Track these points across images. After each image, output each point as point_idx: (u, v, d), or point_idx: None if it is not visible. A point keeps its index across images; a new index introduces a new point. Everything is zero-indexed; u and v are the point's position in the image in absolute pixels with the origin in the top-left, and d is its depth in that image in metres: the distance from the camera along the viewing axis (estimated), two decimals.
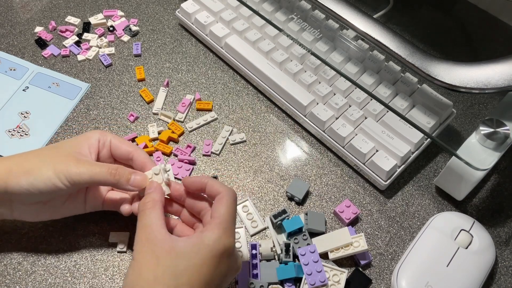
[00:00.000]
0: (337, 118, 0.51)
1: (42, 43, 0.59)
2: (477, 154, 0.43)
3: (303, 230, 0.44)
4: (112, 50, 0.59)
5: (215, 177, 0.49)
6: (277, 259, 0.43)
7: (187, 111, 0.54)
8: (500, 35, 0.63)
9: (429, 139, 0.49)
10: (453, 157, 0.43)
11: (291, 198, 0.48)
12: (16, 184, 0.37)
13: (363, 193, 0.48)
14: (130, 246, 0.44)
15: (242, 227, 0.45)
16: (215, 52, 0.59)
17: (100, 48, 0.59)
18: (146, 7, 0.64)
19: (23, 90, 0.55)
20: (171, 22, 0.63)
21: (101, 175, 0.38)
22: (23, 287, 0.41)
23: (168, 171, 0.41)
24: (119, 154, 0.42)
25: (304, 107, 0.51)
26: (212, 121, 0.53)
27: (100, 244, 0.44)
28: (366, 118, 0.50)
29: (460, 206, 0.48)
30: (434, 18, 0.65)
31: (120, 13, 0.63)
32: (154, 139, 0.51)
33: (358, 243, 0.42)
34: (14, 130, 0.51)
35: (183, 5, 0.60)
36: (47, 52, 0.58)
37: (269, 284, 0.41)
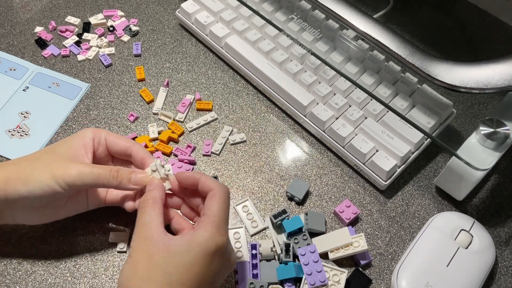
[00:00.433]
0: (337, 118, 0.51)
1: (42, 43, 0.59)
2: (477, 154, 0.43)
3: (303, 230, 0.44)
4: (112, 50, 0.59)
5: (215, 177, 0.49)
6: (277, 259, 0.43)
7: (187, 111, 0.54)
8: (500, 35, 0.63)
9: (429, 139, 0.49)
10: (453, 157, 0.43)
11: (291, 198, 0.48)
12: (15, 192, 0.37)
13: (363, 193, 0.48)
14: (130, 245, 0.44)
15: (242, 227, 0.45)
16: (215, 52, 0.59)
17: (100, 48, 0.59)
18: (146, 7, 0.64)
19: (23, 90, 0.55)
20: (171, 22, 0.63)
21: (104, 178, 0.38)
22: (23, 287, 0.41)
23: (165, 166, 0.41)
24: (117, 151, 0.42)
25: (304, 107, 0.51)
26: (212, 121, 0.53)
27: (100, 244, 0.44)
28: (366, 118, 0.50)
29: (460, 206, 0.48)
30: (434, 18, 0.65)
31: (120, 13, 0.63)
32: (154, 139, 0.51)
33: (358, 243, 0.42)
34: (14, 130, 0.51)
35: (183, 5, 0.60)
36: (47, 52, 0.58)
37: (269, 284, 0.41)
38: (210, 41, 0.58)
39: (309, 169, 0.50)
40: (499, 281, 0.43)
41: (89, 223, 0.45)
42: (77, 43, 0.60)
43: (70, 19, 0.62)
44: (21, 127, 0.52)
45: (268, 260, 0.43)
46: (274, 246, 0.44)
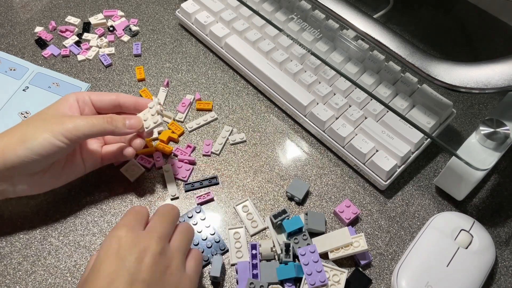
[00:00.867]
0: (337, 118, 0.51)
1: (42, 43, 0.59)
2: (477, 154, 0.43)
3: (303, 230, 0.44)
4: (112, 50, 0.59)
5: (215, 177, 0.49)
6: (277, 259, 0.43)
7: (187, 111, 0.54)
8: (500, 35, 0.63)
9: (429, 139, 0.49)
10: (453, 157, 0.43)
11: (291, 198, 0.48)
12: (14, 155, 0.37)
13: (363, 193, 0.48)
14: None
15: (242, 227, 0.45)
16: (215, 52, 0.59)
17: (100, 48, 0.59)
18: (146, 7, 0.64)
19: (23, 90, 0.55)
20: (171, 22, 0.63)
21: (99, 125, 0.39)
22: (23, 287, 0.41)
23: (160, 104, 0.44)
24: (105, 105, 0.43)
25: (304, 107, 0.51)
26: (212, 121, 0.53)
27: (100, 244, 0.44)
28: (366, 118, 0.50)
29: (460, 206, 0.48)
30: (434, 18, 0.65)
31: (120, 13, 0.63)
32: (154, 139, 0.51)
33: (358, 243, 0.42)
34: None
35: (183, 5, 0.60)
36: (47, 52, 0.58)
37: (269, 284, 0.41)
38: (210, 41, 0.58)
39: (309, 169, 0.50)
40: (499, 281, 0.43)
41: (89, 223, 0.45)
42: (77, 43, 0.60)
43: (70, 19, 0.62)
44: None
45: (268, 260, 0.43)
46: (274, 246, 0.44)
